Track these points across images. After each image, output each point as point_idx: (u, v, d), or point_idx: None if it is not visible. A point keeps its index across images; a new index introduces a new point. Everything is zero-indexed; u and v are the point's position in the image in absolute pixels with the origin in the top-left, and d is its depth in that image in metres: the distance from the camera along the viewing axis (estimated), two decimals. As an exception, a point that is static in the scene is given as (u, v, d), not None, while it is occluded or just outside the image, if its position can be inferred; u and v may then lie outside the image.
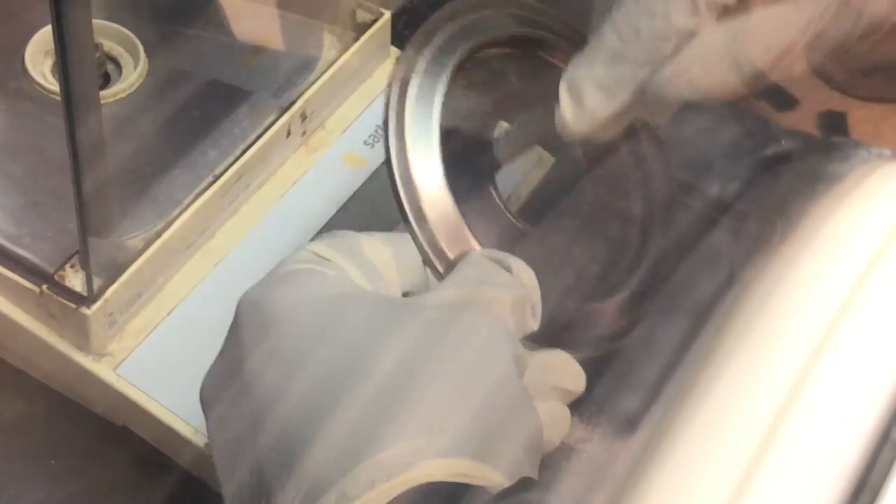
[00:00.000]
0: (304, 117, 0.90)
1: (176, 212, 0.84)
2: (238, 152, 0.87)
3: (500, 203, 0.74)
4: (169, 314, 0.84)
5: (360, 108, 0.94)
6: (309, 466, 0.57)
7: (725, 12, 0.68)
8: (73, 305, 0.80)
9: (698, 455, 0.40)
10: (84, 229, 0.78)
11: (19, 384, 0.86)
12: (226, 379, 0.64)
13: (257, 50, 0.92)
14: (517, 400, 0.62)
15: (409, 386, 0.59)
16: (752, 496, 0.39)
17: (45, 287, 0.80)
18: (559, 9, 1.05)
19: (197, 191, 0.85)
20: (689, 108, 0.75)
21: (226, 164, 0.86)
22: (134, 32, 0.90)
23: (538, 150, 0.87)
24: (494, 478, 0.57)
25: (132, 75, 0.89)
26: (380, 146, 0.92)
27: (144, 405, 0.81)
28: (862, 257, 0.43)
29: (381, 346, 0.61)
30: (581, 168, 0.78)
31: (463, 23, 0.74)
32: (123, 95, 0.88)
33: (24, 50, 0.89)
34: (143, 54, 0.89)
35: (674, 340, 0.76)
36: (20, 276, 0.81)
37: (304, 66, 0.92)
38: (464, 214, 0.70)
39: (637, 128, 0.76)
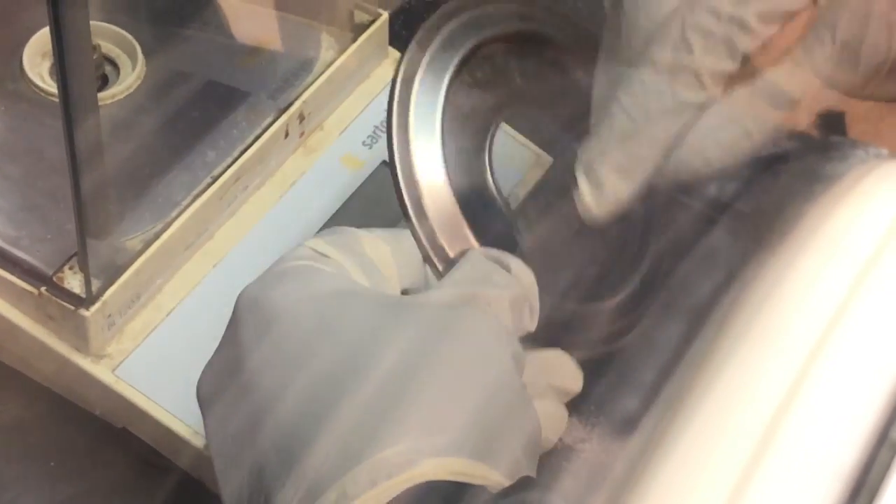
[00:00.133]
0: (302, 118, 0.90)
1: (174, 213, 0.84)
2: (236, 153, 0.87)
3: (499, 201, 0.73)
4: (168, 315, 0.84)
5: (359, 108, 0.94)
6: (309, 465, 0.57)
7: (730, 81, 0.69)
8: (72, 307, 0.80)
9: (697, 455, 0.40)
10: (82, 231, 0.78)
11: (18, 386, 0.86)
12: (224, 376, 0.64)
13: (255, 51, 0.92)
14: (516, 399, 0.62)
15: (409, 385, 0.59)
16: (750, 496, 0.39)
17: (43, 289, 0.80)
18: (559, 5, 1.05)
19: (195, 192, 0.85)
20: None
21: (224, 165, 0.86)
22: (132, 34, 0.90)
23: (536, 150, 0.87)
24: (493, 477, 0.57)
25: (130, 77, 0.89)
26: (378, 147, 0.92)
27: (143, 407, 0.81)
28: (860, 257, 0.43)
29: (380, 344, 0.61)
30: None
31: (466, 19, 0.74)
32: (121, 97, 0.88)
33: (22, 52, 0.89)
34: (140, 56, 0.89)
35: (673, 340, 0.76)
36: (19, 277, 0.81)
37: (302, 67, 0.92)
38: (464, 212, 0.70)
39: None
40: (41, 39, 0.89)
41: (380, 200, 0.90)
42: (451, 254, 0.69)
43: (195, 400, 0.81)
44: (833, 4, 0.69)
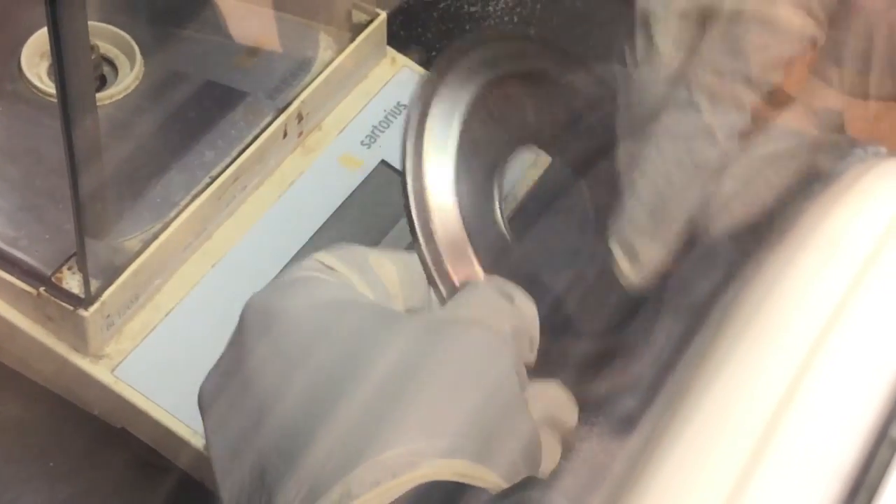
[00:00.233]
0: (300, 118, 0.90)
1: (173, 213, 0.84)
2: (234, 154, 0.87)
3: (506, 233, 0.74)
4: (166, 316, 0.84)
5: (357, 108, 0.94)
6: (311, 465, 0.57)
7: (745, 136, 0.70)
8: (71, 307, 0.80)
9: (697, 453, 0.40)
10: (81, 231, 0.78)
11: (17, 386, 0.86)
12: (227, 379, 0.64)
13: (253, 51, 0.92)
14: (515, 406, 0.62)
15: (411, 387, 0.59)
16: (749, 494, 0.39)
17: (42, 289, 0.81)
18: (557, 10, 1.05)
19: (194, 192, 0.85)
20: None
21: (222, 165, 0.86)
22: (130, 34, 0.90)
23: (535, 150, 0.87)
24: (492, 479, 0.58)
25: (128, 77, 0.89)
26: (376, 146, 0.92)
27: (142, 407, 0.81)
28: (859, 255, 0.43)
29: (382, 347, 0.61)
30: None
31: (482, 55, 0.75)
32: (120, 97, 0.88)
33: (20, 52, 0.89)
34: (139, 56, 0.89)
35: (672, 339, 0.76)
36: (17, 278, 0.81)
37: (300, 67, 0.92)
38: (471, 239, 0.71)
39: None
40: (39, 40, 0.89)
41: (378, 200, 0.90)
42: (456, 279, 0.70)
43: (194, 400, 0.81)
44: (841, 25, 0.69)
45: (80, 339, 0.81)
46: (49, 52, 0.83)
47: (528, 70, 0.77)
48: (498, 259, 0.72)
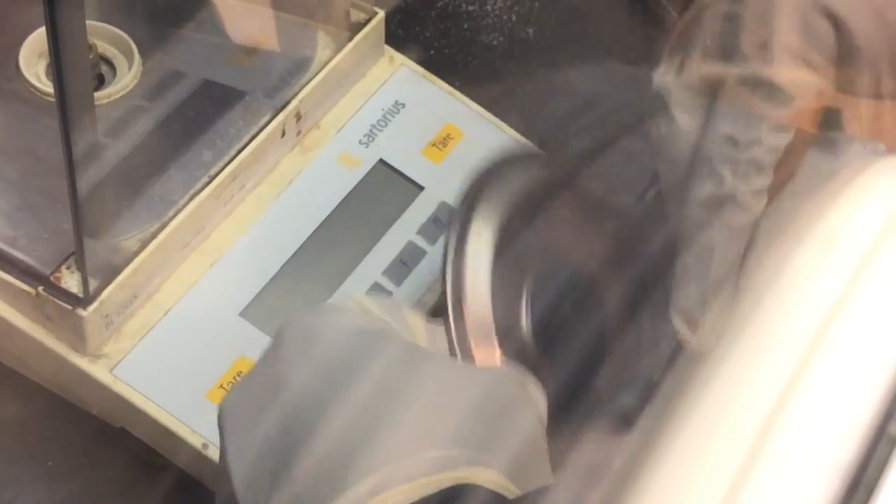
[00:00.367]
0: (298, 117, 0.90)
1: (171, 212, 0.84)
2: (233, 153, 0.87)
3: (526, 328, 0.77)
4: (165, 315, 0.84)
5: (355, 107, 0.93)
6: (340, 460, 0.60)
7: (768, 194, 0.72)
8: (70, 307, 0.80)
9: (697, 449, 0.40)
10: (79, 231, 0.78)
11: (16, 386, 0.86)
12: (259, 390, 0.66)
13: (251, 50, 0.92)
14: (540, 444, 0.65)
15: (450, 404, 0.63)
16: (749, 489, 0.39)
17: (41, 289, 0.81)
18: (555, 8, 1.05)
19: (192, 191, 0.85)
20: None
21: (221, 164, 0.86)
22: (128, 34, 0.90)
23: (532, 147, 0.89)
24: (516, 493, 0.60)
25: (126, 76, 0.89)
26: (374, 145, 0.92)
27: (141, 406, 0.81)
28: (857, 251, 0.43)
29: (418, 370, 0.64)
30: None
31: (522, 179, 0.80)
32: (118, 97, 0.88)
33: (18, 52, 0.88)
34: (137, 55, 0.89)
35: (671, 336, 0.76)
36: (16, 277, 0.81)
37: (299, 66, 0.91)
38: (497, 328, 0.75)
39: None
40: (37, 39, 0.89)
41: (376, 199, 0.90)
42: (477, 359, 0.74)
43: (193, 399, 0.81)
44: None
45: (78, 338, 0.81)
46: (47, 52, 0.83)
47: (558, 188, 0.81)
48: (518, 352, 0.76)
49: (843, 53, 0.71)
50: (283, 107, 0.89)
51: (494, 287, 0.75)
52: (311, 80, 0.90)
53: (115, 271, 0.81)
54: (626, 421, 0.71)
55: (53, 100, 0.74)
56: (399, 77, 0.95)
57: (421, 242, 0.89)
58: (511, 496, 0.59)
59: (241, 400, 0.66)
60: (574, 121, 0.92)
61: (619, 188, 0.81)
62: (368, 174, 0.91)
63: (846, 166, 0.52)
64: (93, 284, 0.80)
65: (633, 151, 0.79)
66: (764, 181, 0.73)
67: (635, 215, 0.81)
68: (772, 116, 0.72)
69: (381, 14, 0.94)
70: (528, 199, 0.79)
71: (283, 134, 0.89)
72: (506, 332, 0.76)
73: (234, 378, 0.81)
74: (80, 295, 0.80)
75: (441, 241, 0.87)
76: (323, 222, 0.88)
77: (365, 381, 0.62)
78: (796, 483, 0.39)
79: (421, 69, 0.96)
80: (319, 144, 0.92)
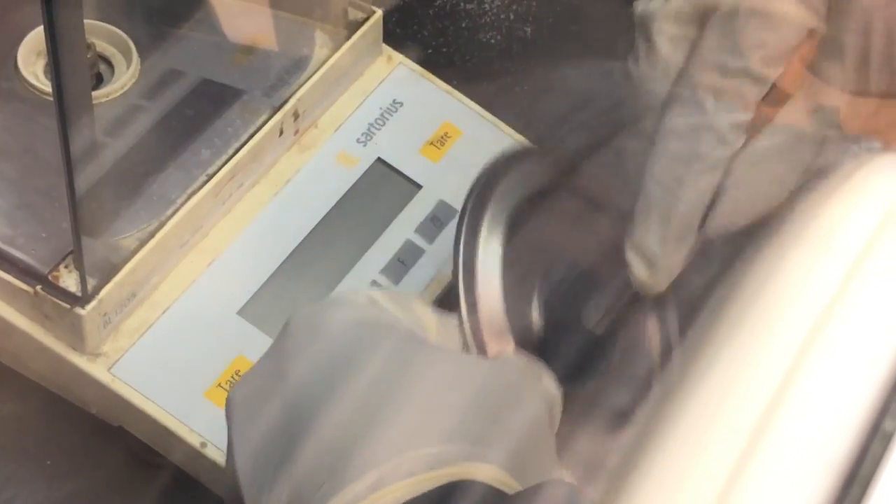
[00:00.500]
0: (296, 116, 0.90)
1: (169, 211, 0.84)
2: (231, 151, 0.87)
3: (538, 324, 0.78)
4: (163, 314, 0.84)
5: (353, 106, 0.94)
6: (341, 455, 0.60)
7: (751, 130, 0.71)
8: (68, 306, 0.80)
9: (692, 446, 0.40)
10: (77, 229, 0.78)
11: (14, 385, 0.86)
12: (265, 382, 0.66)
13: (249, 49, 0.92)
14: (545, 436, 0.66)
15: (451, 397, 0.63)
16: (744, 486, 0.39)
17: (39, 287, 0.81)
18: (553, 7, 1.05)
19: (190, 190, 0.85)
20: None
21: (219, 163, 0.86)
22: (126, 33, 0.90)
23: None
24: (517, 489, 0.60)
25: (125, 75, 0.89)
26: (372, 144, 0.92)
27: (139, 405, 0.81)
28: (853, 249, 0.44)
29: (422, 362, 0.65)
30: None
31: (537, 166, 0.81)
32: (116, 95, 0.88)
33: (17, 51, 0.89)
34: (135, 54, 0.89)
35: (667, 332, 0.76)
36: (14, 276, 0.81)
37: (296, 65, 0.91)
38: (510, 320, 0.75)
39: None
40: (35, 38, 0.89)
41: (374, 197, 0.90)
42: (490, 350, 0.74)
43: (191, 397, 0.81)
44: (838, 21, 0.69)
45: (76, 337, 0.81)
46: (45, 51, 0.83)
47: (573, 184, 0.81)
48: (532, 348, 0.76)
49: (840, 10, 0.70)
50: (281, 105, 0.89)
51: (506, 279, 0.76)
52: (308, 78, 0.91)
53: (114, 270, 0.81)
54: (624, 417, 0.71)
55: (51, 99, 0.74)
56: (397, 76, 0.95)
57: (419, 241, 0.89)
58: (511, 492, 0.59)
59: (247, 390, 0.67)
60: (571, 118, 0.92)
61: (622, 184, 0.81)
62: (366, 173, 0.91)
63: (842, 164, 0.52)
64: (91, 283, 0.80)
65: (630, 149, 0.78)
66: (745, 117, 0.71)
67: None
68: (763, 51, 0.70)
69: (379, 13, 0.94)
70: (540, 192, 0.79)
71: (281, 133, 0.89)
72: (519, 324, 0.76)
73: (233, 377, 0.81)
74: (79, 294, 0.80)
75: (440, 239, 0.88)
76: (321, 221, 0.88)
77: (366, 374, 0.63)
78: (792, 479, 0.39)
79: (419, 68, 0.96)
80: (317, 143, 0.92)
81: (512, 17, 1.08)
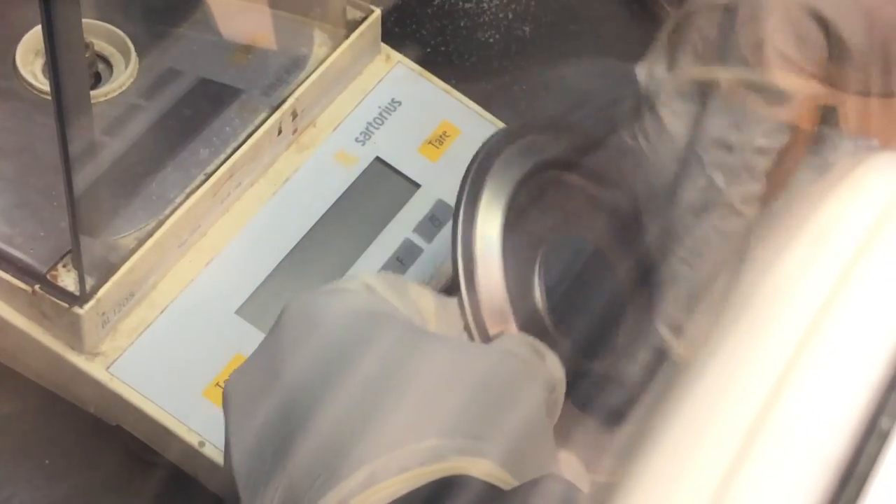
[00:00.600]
0: (294, 115, 0.90)
1: (168, 210, 0.84)
2: (229, 150, 0.87)
3: (542, 304, 0.77)
4: (162, 313, 0.84)
5: (351, 105, 0.94)
6: (333, 451, 0.60)
7: (763, 197, 0.72)
8: (66, 305, 0.80)
9: (686, 445, 0.40)
10: (76, 228, 0.78)
11: (12, 384, 0.86)
12: (259, 375, 0.66)
13: (248, 48, 0.92)
14: (542, 428, 0.65)
15: (446, 390, 0.62)
16: (739, 486, 0.39)
17: (37, 287, 0.81)
18: (551, 6, 1.05)
19: (188, 189, 0.85)
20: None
21: (217, 162, 0.86)
22: (125, 32, 0.90)
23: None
24: (513, 484, 0.59)
25: (123, 74, 0.89)
26: (371, 143, 0.92)
27: (138, 404, 0.81)
28: (849, 247, 0.44)
29: (417, 353, 0.64)
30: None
31: (540, 138, 0.81)
32: (114, 95, 0.88)
33: (15, 50, 0.89)
34: (133, 53, 0.89)
35: (657, 344, 0.76)
36: (12, 275, 0.81)
37: (295, 64, 0.91)
38: (511, 299, 0.75)
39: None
40: (34, 37, 0.89)
41: (372, 197, 0.90)
42: (491, 330, 0.73)
43: (190, 397, 0.81)
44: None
45: (75, 336, 0.81)
46: (43, 50, 0.83)
47: (573, 160, 0.81)
48: (533, 327, 0.75)
49: (834, 55, 0.71)
50: (280, 105, 0.89)
51: (506, 257, 0.75)
52: (307, 77, 0.91)
53: (112, 269, 0.81)
54: (620, 413, 0.71)
55: (50, 98, 0.74)
56: (395, 75, 0.95)
57: (417, 240, 0.89)
58: (506, 487, 0.59)
59: (243, 382, 0.66)
60: (568, 116, 0.92)
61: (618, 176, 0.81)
62: (365, 172, 0.91)
63: (839, 162, 0.52)
64: (89, 282, 0.80)
65: (626, 147, 0.78)
66: (756, 186, 0.73)
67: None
68: (766, 124, 0.72)
69: (378, 12, 0.94)
70: (540, 166, 0.79)
71: (280, 132, 0.89)
72: (520, 304, 0.75)
73: (236, 368, 0.81)
74: (77, 293, 0.80)
75: (439, 238, 0.88)
76: (319, 220, 0.88)
77: (362, 368, 0.62)
78: (787, 478, 0.39)
79: (417, 67, 0.96)
80: (316, 142, 0.92)
81: (511, 16, 1.08)
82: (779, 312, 0.42)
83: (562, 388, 0.69)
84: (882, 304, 0.42)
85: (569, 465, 0.69)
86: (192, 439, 0.80)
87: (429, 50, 1.06)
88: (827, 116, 0.73)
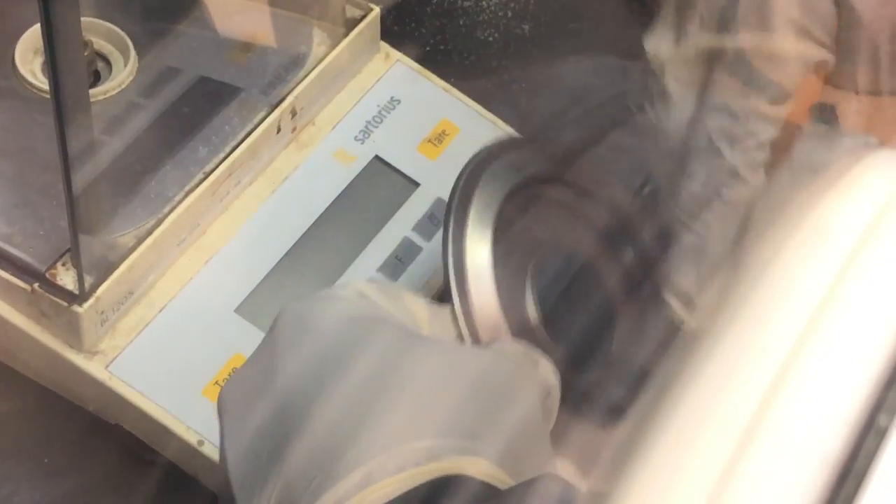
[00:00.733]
0: (294, 113, 0.90)
1: (167, 209, 0.84)
2: (228, 149, 0.87)
3: (535, 314, 0.77)
4: (160, 311, 0.84)
5: (350, 103, 0.94)
6: (329, 452, 0.60)
7: (768, 165, 0.72)
8: (65, 303, 0.80)
9: (684, 442, 0.40)
10: (75, 227, 0.78)
11: (11, 382, 0.86)
12: (255, 380, 0.66)
13: (247, 46, 0.92)
14: (538, 428, 0.65)
15: (441, 390, 0.63)
16: (737, 483, 0.39)
17: (36, 285, 0.81)
18: (551, 5, 1.05)
19: (188, 188, 0.85)
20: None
21: (216, 160, 0.86)
22: (124, 30, 0.90)
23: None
24: (509, 483, 0.59)
25: (122, 73, 0.89)
26: (370, 141, 0.92)
27: (136, 402, 0.81)
28: (847, 245, 0.44)
29: (411, 356, 0.64)
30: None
31: (526, 153, 0.82)
32: (113, 93, 0.88)
33: (14, 49, 0.89)
34: (132, 52, 0.89)
35: (665, 317, 0.77)
36: (12, 274, 0.81)
37: (294, 62, 0.91)
38: (503, 308, 0.75)
39: None
40: (33, 36, 0.89)
41: (371, 195, 0.90)
42: (483, 338, 0.74)
43: (188, 395, 0.81)
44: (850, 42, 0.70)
45: (74, 335, 0.81)
46: (42, 48, 0.83)
47: (559, 174, 0.81)
48: (526, 335, 0.76)
49: (843, 26, 0.71)
50: (279, 103, 0.89)
51: (498, 266, 0.75)
52: (306, 76, 0.91)
53: (111, 268, 0.81)
54: (619, 410, 0.71)
55: (49, 96, 0.74)
56: (394, 73, 0.95)
57: (416, 239, 0.89)
58: (503, 486, 0.59)
59: (238, 387, 0.67)
60: (566, 114, 0.92)
61: (614, 178, 0.81)
62: (364, 170, 0.91)
63: (838, 159, 0.52)
64: (88, 281, 0.80)
65: (625, 145, 0.78)
66: (761, 154, 0.73)
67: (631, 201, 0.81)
68: (772, 91, 0.71)
69: (377, 10, 0.94)
70: (529, 179, 0.79)
71: (279, 130, 0.89)
72: (513, 312, 0.76)
73: (230, 375, 0.81)
74: (76, 292, 0.80)
75: (437, 237, 0.88)
76: (318, 219, 0.88)
77: (357, 370, 0.62)
78: (785, 474, 0.39)
79: (416, 65, 0.96)
80: (315, 141, 0.92)
81: (510, 14, 1.08)
82: (777, 309, 0.42)
83: (556, 394, 0.70)
84: (880, 302, 0.42)
85: (564, 471, 0.69)
86: (191, 438, 0.80)
87: (428, 48, 1.06)
88: (826, 113, 0.74)
